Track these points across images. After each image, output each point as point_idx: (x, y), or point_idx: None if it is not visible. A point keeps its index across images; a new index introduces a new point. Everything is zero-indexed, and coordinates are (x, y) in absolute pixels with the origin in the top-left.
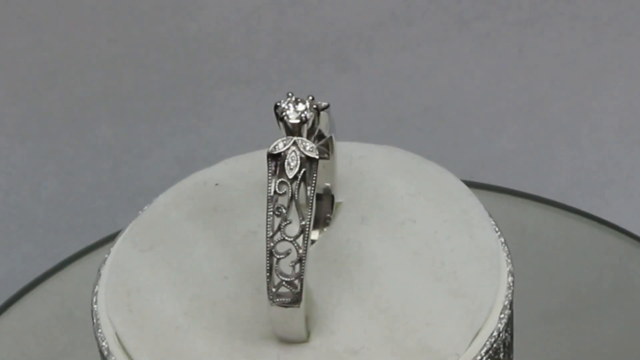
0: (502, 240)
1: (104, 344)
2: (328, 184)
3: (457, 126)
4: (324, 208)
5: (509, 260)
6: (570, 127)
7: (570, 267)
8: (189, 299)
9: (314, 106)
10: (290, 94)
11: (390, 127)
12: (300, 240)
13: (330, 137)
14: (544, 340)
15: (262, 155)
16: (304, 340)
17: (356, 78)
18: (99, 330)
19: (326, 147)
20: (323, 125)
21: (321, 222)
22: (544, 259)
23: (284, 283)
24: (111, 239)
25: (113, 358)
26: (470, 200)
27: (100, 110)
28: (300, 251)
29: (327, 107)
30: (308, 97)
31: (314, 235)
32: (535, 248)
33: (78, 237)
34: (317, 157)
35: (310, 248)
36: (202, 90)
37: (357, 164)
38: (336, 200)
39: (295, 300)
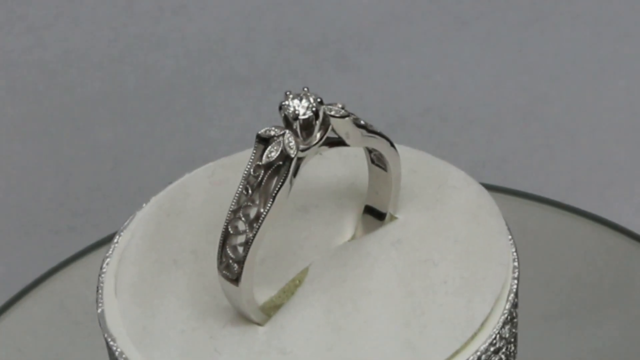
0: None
1: (110, 251)
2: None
3: (457, 126)
4: (367, 220)
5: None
6: (570, 127)
7: (571, 267)
8: (206, 242)
9: (314, 108)
10: (305, 89)
11: (390, 127)
12: (254, 224)
13: (380, 153)
14: (543, 340)
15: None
16: (254, 320)
17: (356, 78)
18: (116, 239)
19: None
20: (342, 133)
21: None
22: (544, 259)
23: (230, 259)
24: (111, 239)
25: (104, 271)
26: (498, 270)
27: (100, 110)
28: (249, 235)
29: (345, 115)
30: (316, 98)
31: (349, 235)
32: (535, 248)
33: (78, 237)
34: (293, 156)
35: (334, 243)
36: (202, 90)
37: (442, 192)
38: (395, 214)
39: (235, 279)
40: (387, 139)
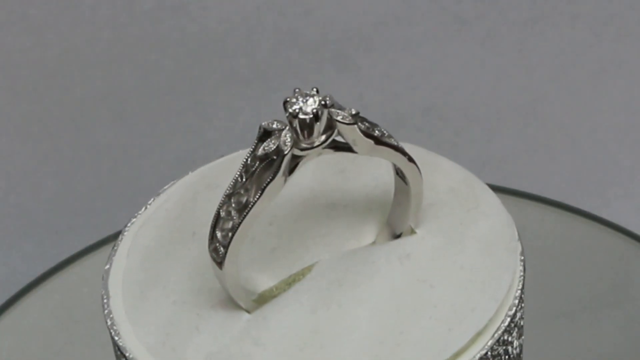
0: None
1: (141, 210)
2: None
3: (457, 126)
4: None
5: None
6: (570, 127)
7: (570, 267)
8: None
9: (315, 110)
10: (314, 89)
11: (390, 127)
12: (242, 212)
13: (399, 169)
14: (543, 340)
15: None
16: (241, 306)
17: (356, 78)
18: (151, 200)
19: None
20: (349, 139)
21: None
22: (544, 258)
23: (218, 242)
24: (111, 239)
25: (127, 229)
26: (489, 305)
27: (100, 110)
28: (236, 222)
29: (353, 122)
30: (322, 100)
31: (370, 238)
32: (535, 248)
33: (78, 237)
34: (286, 153)
35: (348, 246)
36: (202, 90)
37: (470, 216)
38: (415, 228)
39: (220, 262)
40: (405, 154)
